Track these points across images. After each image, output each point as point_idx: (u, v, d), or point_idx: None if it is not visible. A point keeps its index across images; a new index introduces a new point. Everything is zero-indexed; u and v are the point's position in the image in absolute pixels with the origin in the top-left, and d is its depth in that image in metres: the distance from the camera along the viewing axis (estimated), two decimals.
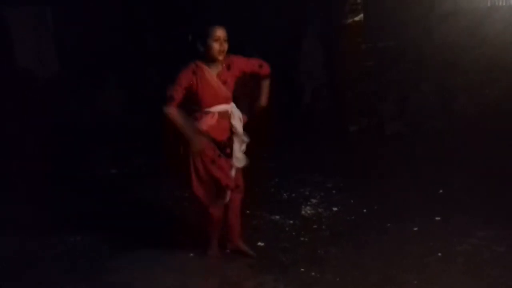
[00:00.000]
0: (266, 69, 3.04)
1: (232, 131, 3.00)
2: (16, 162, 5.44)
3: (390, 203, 4.01)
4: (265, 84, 3.09)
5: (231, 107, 2.99)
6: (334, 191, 4.40)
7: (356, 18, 6.43)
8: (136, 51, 7.83)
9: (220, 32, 2.80)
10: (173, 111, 2.80)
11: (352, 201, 4.13)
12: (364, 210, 3.91)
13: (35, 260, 3.33)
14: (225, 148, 2.98)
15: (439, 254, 3.09)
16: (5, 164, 5.34)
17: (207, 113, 2.90)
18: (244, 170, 3.13)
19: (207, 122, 2.89)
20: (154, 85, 7.37)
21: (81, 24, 7.31)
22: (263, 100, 3.11)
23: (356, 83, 6.55)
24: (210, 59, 2.85)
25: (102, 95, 7.63)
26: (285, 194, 4.42)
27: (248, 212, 3.87)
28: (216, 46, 2.79)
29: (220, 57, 2.84)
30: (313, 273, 2.96)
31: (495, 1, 5.60)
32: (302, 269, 3.02)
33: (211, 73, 2.88)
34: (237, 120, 3.00)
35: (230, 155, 3.00)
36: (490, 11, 5.64)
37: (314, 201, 4.19)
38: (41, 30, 7.65)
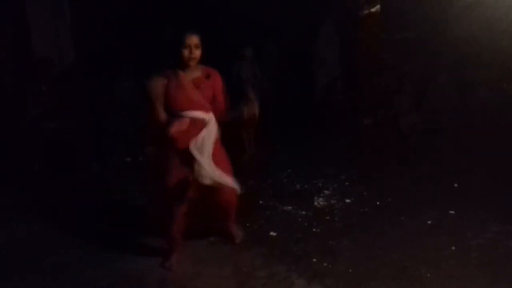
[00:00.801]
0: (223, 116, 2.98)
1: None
2: (30, 152, 5.51)
3: (404, 196, 3.99)
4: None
5: (208, 117, 2.90)
6: (347, 183, 4.39)
7: (373, 9, 6.35)
8: (153, 42, 7.84)
9: (190, 40, 2.80)
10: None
11: (365, 193, 4.12)
12: (378, 203, 3.90)
13: (51, 247, 3.39)
14: (187, 157, 2.83)
15: (453, 248, 3.07)
16: (19, 154, 5.41)
17: (179, 116, 2.83)
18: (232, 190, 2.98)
19: (176, 126, 2.79)
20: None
21: (98, 14, 7.34)
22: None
23: (372, 75, 6.49)
24: (183, 65, 2.87)
25: (117, 85, 7.66)
26: (298, 185, 4.42)
27: (261, 202, 3.88)
28: (185, 53, 2.82)
29: (191, 63, 2.84)
30: (325, 264, 2.97)
31: None
32: (314, 260, 3.03)
33: (185, 77, 2.87)
34: (209, 133, 2.88)
35: (190, 166, 2.84)
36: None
37: (327, 192, 4.18)
38: (58, 19, 7.70)
